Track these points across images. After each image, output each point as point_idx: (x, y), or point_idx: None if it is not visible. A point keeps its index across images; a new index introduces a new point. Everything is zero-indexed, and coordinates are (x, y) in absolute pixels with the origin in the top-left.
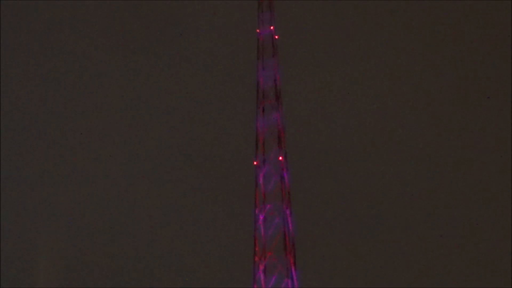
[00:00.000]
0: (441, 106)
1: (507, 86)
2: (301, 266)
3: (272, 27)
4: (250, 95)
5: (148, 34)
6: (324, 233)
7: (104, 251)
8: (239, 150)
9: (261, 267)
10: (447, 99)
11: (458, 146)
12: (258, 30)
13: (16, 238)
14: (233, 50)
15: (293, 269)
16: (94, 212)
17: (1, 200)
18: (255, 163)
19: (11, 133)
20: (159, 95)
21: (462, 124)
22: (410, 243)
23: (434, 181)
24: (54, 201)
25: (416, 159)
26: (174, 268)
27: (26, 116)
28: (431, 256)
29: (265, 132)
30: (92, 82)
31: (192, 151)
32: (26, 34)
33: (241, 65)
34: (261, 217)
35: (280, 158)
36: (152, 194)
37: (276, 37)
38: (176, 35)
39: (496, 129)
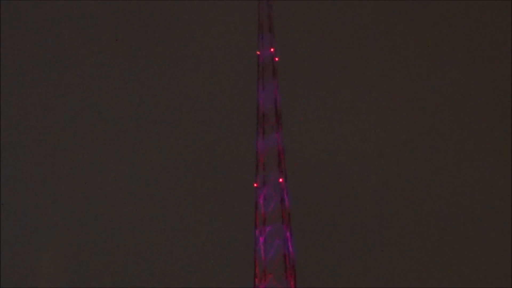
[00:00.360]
0: (446, 136)
1: (507, 86)
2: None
3: (272, 49)
4: (250, 117)
5: (148, 54)
6: (325, 255)
7: (105, 253)
8: (239, 171)
9: None
10: (453, 134)
11: (462, 181)
12: (258, 52)
13: (17, 238)
14: (233, 71)
15: None
16: (95, 213)
17: (1, 200)
18: (255, 184)
19: (12, 133)
20: (158, 116)
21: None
22: (413, 267)
23: (435, 204)
24: (55, 201)
25: (418, 184)
26: None
27: (26, 116)
28: (434, 281)
29: (265, 154)
30: (92, 84)
31: (192, 172)
32: (26, 34)
33: (241, 86)
34: (261, 239)
35: (280, 179)
36: (152, 211)
37: (276, 59)
38: (175, 56)
39: (497, 132)
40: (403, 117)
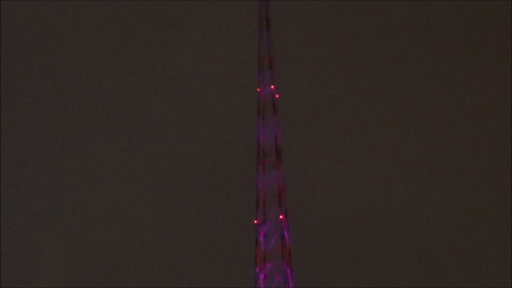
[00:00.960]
0: (446, 177)
1: (507, 86)
2: None
3: (272, 86)
4: (251, 153)
5: (146, 93)
6: None
7: (105, 252)
8: (239, 208)
9: None
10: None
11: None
12: (258, 89)
13: (19, 238)
14: (234, 108)
15: None
16: (96, 213)
17: (1, 200)
18: (255, 221)
19: (12, 133)
20: (160, 152)
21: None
22: None
23: (437, 240)
24: (57, 202)
25: (420, 221)
26: None
27: (26, 116)
28: None
29: (265, 191)
30: (92, 86)
31: (192, 208)
32: (26, 34)
33: (241, 123)
34: (261, 276)
35: (281, 216)
36: (151, 245)
37: (277, 96)
38: (175, 94)
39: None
40: (403, 156)
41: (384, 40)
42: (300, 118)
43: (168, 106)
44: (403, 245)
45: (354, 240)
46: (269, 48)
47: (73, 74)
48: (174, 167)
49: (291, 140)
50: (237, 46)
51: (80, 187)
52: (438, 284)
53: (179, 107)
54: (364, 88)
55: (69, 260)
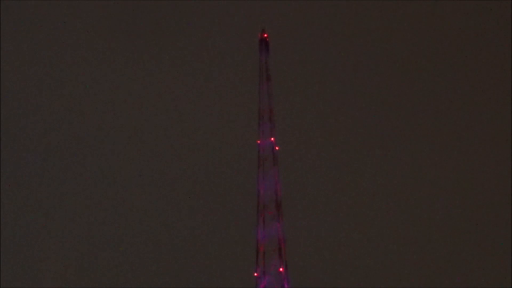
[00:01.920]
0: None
1: (507, 86)
2: None
3: (272, 138)
4: (251, 206)
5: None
6: None
7: (105, 252)
8: (239, 260)
9: None
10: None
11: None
12: (258, 141)
13: (20, 239)
14: (234, 160)
15: None
16: (96, 214)
17: (2, 200)
18: (255, 274)
19: (12, 133)
20: (161, 207)
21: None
22: None
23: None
24: (58, 202)
25: (420, 270)
26: None
27: (27, 116)
28: None
29: (265, 243)
30: (93, 88)
31: (192, 262)
32: (26, 34)
33: (241, 175)
34: None
35: (281, 269)
36: None
37: (277, 148)
38: (175, 148)
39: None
40: (402, 210)
41: (382, 86)
42: (301, 170)
43: (169, 160)
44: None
45: None
46: (269, 100)
47: (73, 74)
48: (174, 221)
49: (291, 192)
50: (237, 99)
51: (81, 187)
52: None
53: (180, 161)
54: (364, 140)
55: (70, 260)
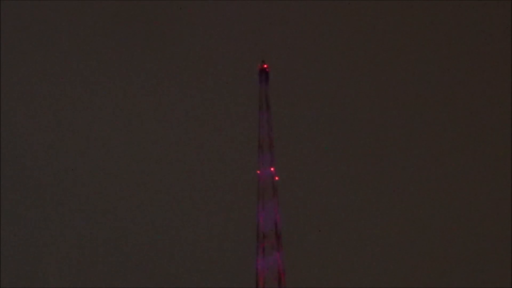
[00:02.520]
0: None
1: (507, 86)
2: None
3: (272, 168)
4: (250, 236)
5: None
6: None
7: (105, 252)
8: None
9: None
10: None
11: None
12: (258, 171)
13: (21, 239)
14: (233, 190)
15: None
16: (96, 214)
17: (2, 201)
18: None
19: (13, 133)
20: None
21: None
22: None
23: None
24: (57, 202)
25: None
26: None
27: (27, 116)
28: None
29: (265, 273)
30: (94, 89)
31: None
32: (26, 34)
33: (241, 205)
34: None
35: None
36: None
37: (277, 178)
38: (174, 178)
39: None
40: (402, 241)
41: (382, 115)
42: (300, 200)
43: (170, 188)
44: None
45: None
46: (269, 130)
47: (73, 74)
48: (173, 250)
49: (291, 222)
50: (237, 128)
51: (81, 187)
52: None
53: (180, 191)
54: (365, 172)
55: (71, 261)
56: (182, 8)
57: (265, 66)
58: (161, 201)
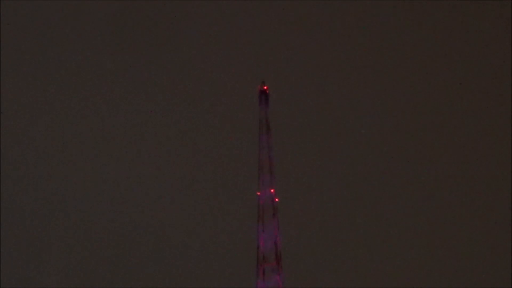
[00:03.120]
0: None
1: (507, 86)
2: None
3: (272, 190)
4: (250, 257)
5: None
6: None
7: (106, 252)
8: None
9: None
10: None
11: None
12: (258, 193)
13: (21, 239)
14: (233, 212)
15: None
16: (97, 214)
17: (2, 201)
18: None
19: (13, 133)
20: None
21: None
22: None
23: None
24: (57, 202)
25: None
26: None
27: (27, 116)
28: None
29: None
30: (94, 90)
31: None
32: (26, 34)
33: (241, 227)
34: None
35: None
36: None
37: (277, 199)
38: (173, 199)
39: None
40: (402, 255)
41: (382, 133)
42: (300, 222)
43: (170, 209)
44: None
45: None
46: (269, 151)
47: (73, 74)
48: (173, 272)
49: (291, 244)
50: (237, 150)
51: (81, 187)
52: None
53: (180, 212)
54: (365, 192)
55: (71, 261)
56: (184, 29)
57: (265, 87)
58: (162, 221)
